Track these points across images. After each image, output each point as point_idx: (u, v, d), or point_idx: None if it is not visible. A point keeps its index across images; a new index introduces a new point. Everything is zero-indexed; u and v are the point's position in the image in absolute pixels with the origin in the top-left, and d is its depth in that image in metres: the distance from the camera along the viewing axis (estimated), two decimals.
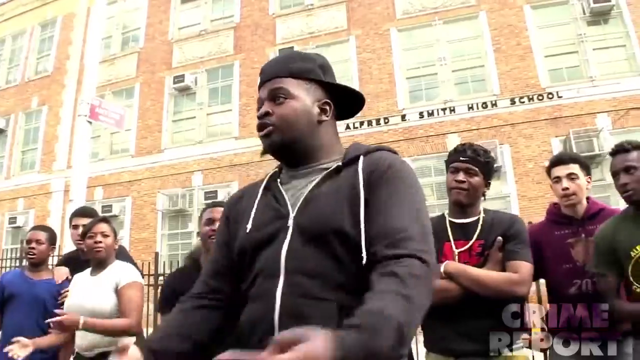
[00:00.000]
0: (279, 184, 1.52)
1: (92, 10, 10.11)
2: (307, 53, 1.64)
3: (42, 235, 3.63)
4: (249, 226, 1.47)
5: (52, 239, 3.69)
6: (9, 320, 3.45)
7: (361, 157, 1.46)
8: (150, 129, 17.23)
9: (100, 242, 3.27)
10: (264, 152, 1.55)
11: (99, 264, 3.31)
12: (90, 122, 7.77)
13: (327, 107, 1.54)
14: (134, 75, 18.37)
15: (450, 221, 2.66)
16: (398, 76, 14.57)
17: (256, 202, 1.52)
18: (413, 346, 2.60)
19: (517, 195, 12.39)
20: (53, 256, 3.91)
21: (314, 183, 1.45)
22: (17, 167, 19.99)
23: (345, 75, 15.18)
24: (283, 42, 16.02)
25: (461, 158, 2.61)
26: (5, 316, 3.49)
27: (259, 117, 1.50)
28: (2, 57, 22.27)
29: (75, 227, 3.77)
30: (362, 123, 14.42)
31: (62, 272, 3.71)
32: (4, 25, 22.58)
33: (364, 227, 1.32)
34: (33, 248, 3.57)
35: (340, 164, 1.47)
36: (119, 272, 3.28)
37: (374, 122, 14.32)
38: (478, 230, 2.57)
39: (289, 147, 1.49)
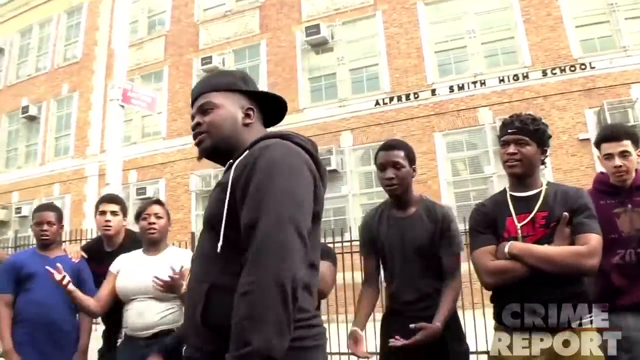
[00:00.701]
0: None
1: None
2: (228, 70, 1.98)
3: (52, 216, 3.67)
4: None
5: (60, 217, 3.76)
6: (31, 299, 3.43)
7: (246, 152, 1.60)
8: (180, 111, 17.36)
9: (154, 223, 3.30)
10: (199, 158, 1.77)
11: (153, 245, 3.33)
12: (122, 106, 7.87)
13: (251, 112, 1.74)
14: (162, 58, 18.49)
15: (511, 195, 2.62)
16: (426, 50, 14.47)
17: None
18: (471, 321, 2.69)
19: (551, 167, 12.32)
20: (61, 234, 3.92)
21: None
22: (51, 154, 20.35)
23: (373, 51, 15.15)
24: (309, 20, 15.97)
25: (509, 130, 2.58)
26: (25, 296, 3.45)
27: (192, 129, 1.73)
28: (30, 45, 22.53)
29: (102, 213, 3.70)
30: (391, 99, 14.40)
31: (75, 249, 3.79)
32: (30, 13, 22.79)
33: (226, 216, 1.50)
34: (46, 230, 3.61)
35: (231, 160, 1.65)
36: (181, 256, 3.28)
37: (403, 98, 14.29)
38: (540, 202, 2.52)
39: (218, 149, 1.70)
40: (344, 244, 7.84)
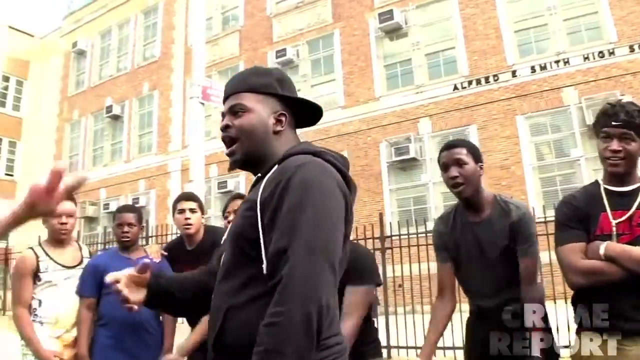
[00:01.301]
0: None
1: None
2: (265, 68, 1.78)
3: (132, 218, 3.62)
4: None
5: (140, 218, 3.73)
6: (116, 301, 3.28)
7: (275, 166, 1.55)
8: None
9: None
10: (230, 169, 1.74)
11: None
12: (202, 104, 8.04)
13: (283, 118, 1.66)
14: (237, 53, 18.78)
15: (606, 189, 2.41)
16: (505, 30, 14.04)
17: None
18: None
19: None
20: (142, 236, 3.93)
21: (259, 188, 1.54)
22: (135, 151, 21.15)
23: (449, 34, 14.85)
24: (381, 6, 15.77)
25: (613, 123, 2.34)
26: (109, 298, 3.26)
27: (222, 130, 1.66)
28: (110, 46, 23.39)
29: (181, 211, 3.67)
30: (470, 82, 14.10)
31: (156, 249, 3.81)
32: (109, 15, 23.64)
33: (263, 239, 1.43)
34: (127, 232, 3.57)
35: (259, 174, 1.62)
36: None
37: (482, 81, 13.95)
38: (639, 199, 2.33)
39: (250, 160, 1.65)
40: (423, 234, 7.81)
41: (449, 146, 2.79)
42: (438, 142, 14.28)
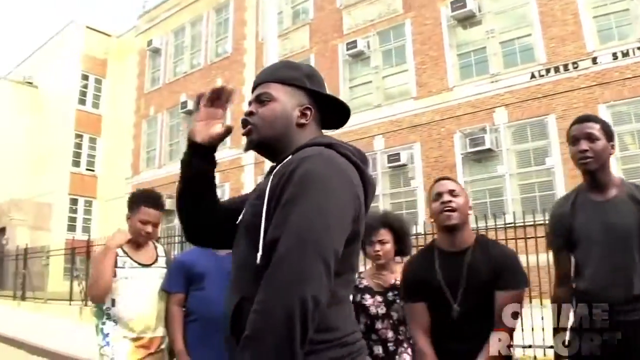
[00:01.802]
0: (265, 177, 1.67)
1: None
2: (296, 63, 1.80)
3: None
4: (241, 215, 1.66)
5: None
6: (205, 297, 3.31)
7: (289, 157, 1.54)
8: None
9: None
10: (246, 149, 1.74)
11: None
12: None
13: (308, 112, 1.68)
14: (308, 46, 18.89)
15: None
16: (584, 16, 13.51)
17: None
18: None
19: None
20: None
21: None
22: None
23: (524, 20, 14.44)
24: None
25: None
26: (198, 294, 3.36)
27: (245, 115, 1.69)
28: (184, 44, 24.00)
29: None
30: (548, 70, 13.66)
31: None
32: (182, 13, 24.26)
33: (264, 230, 1.43)
34: None
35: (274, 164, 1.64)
36: None
37: (561, 68, 13.50)
38: None
39: (266, 145, 1.67)
40: (502, 227, 7.65)
41: (581, 120, 2.72)
42: (514, 133, 13.98)
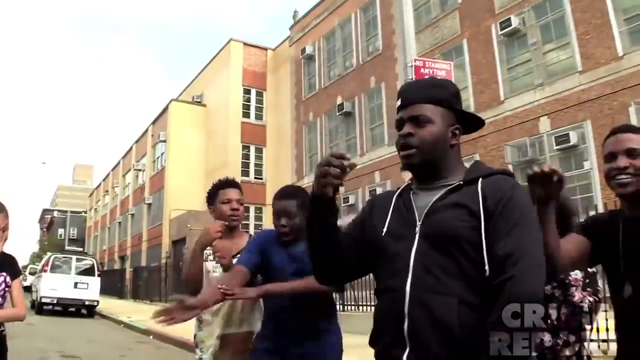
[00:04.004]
0: (410, 195, 1.78)
1: None
2: (442, 80, 1.92)
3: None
4: (384, 229, 1.75)
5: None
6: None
7: (480, 179, 1.68)
8: (486, 82, 16.99)
9: None
10: (403, 169, 1.80)
11: None
12: None
13: (457, 132, 1.79)
14: (459, 32, 18.29)
15: None
16: None
17: (391, 207, 1.79)
18: None
19: None
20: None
21: (437, 197, 1.69)
22: (368, 144, 21.83)
23: None
24: None
25: None
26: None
27: (403, 136, 1.74)
28: (336, 47, 24.52)
29: None
30: None
31: None
32: (330, 18, 24.84)
33: (485, 242, 1.57)
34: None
35: (461, 182, 1.70)
36: None
37: None
38: None
39: (425, 167, 1.75)
40: None
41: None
42: None
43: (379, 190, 19.69)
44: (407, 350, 1.59)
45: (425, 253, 1.64)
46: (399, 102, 1.81)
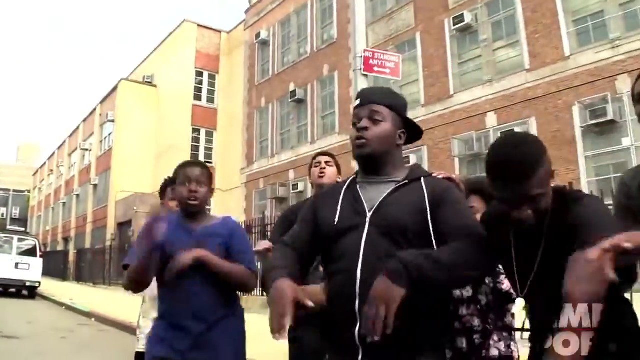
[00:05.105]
0: (358, 188, 1.98)
1: None
2: (396, 93, 2.14)
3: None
4: (336, 218, 1.93)
5: None
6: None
7: (422, 178, 1.95)
8: (437, 75, 17.21)
9: None
10: (355, 157, 1.99)
11: None
12: (365, 75, 7.95)
13: (403, 135, 2.04)
14: (413, 25, 18.46)
15: None
16: None
17: (340, 198, 1.98)
18: None
19: None
20: None
21: (387, 192, 1.92)
22: (319, 132, 21.89)
23: None
24: None
25: None
26: None
27: (359, 130, 1.96)
28: (291, 33, 24.37)
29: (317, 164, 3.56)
30: None
31: None
32: (286, 4, 24.70)
33: (432, 227, 1.83)
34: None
35: (407, 180, 1.94)
36: None
37: None
38: None
39: (374, 160, 1.97)
40: None
41: None
42: None
43: None
44: (358, 325, 1.75)
45: (374, 240, 1.85)
46: (357, 102, 2.04)
